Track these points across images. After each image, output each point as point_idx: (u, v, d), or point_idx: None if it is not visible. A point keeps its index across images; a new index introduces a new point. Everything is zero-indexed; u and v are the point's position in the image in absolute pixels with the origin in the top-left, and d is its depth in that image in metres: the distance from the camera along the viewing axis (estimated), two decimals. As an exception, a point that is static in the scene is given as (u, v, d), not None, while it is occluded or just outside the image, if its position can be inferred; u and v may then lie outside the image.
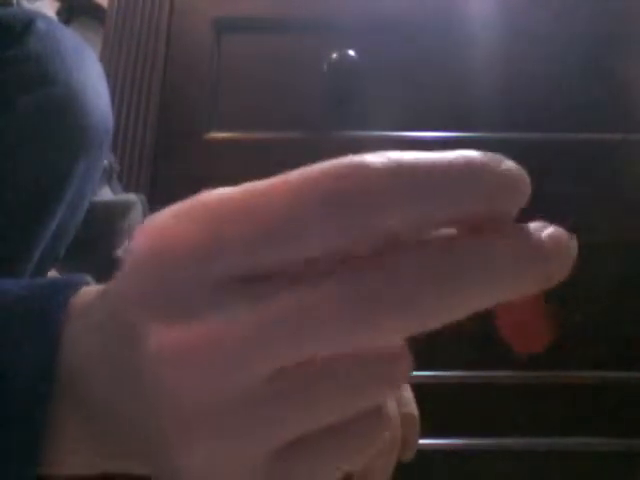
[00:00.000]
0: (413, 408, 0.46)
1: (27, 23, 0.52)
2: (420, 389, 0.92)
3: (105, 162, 0.72)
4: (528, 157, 1.01)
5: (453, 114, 0.93)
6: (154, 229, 0.19)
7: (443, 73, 0.95)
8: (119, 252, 0.69)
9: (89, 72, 0.55)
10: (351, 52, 0.94)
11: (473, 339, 0.87)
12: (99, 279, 0.74)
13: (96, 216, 0.68)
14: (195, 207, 0.20)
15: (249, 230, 0.18)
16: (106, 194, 0.71)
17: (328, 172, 0.19)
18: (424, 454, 0.85)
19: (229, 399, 0.18)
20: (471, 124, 0.93)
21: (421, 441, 0.87)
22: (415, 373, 0.72)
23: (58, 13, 1.16)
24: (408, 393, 0.47)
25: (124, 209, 0.72)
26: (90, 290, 0.23)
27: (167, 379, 0.18)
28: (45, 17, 0.54)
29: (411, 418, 0.44)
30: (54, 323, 0.21)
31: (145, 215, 0.74)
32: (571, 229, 0.21)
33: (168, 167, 0.93)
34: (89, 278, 0.25)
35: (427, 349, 0.86)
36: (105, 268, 0.70)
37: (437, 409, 0.85)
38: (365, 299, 0.17)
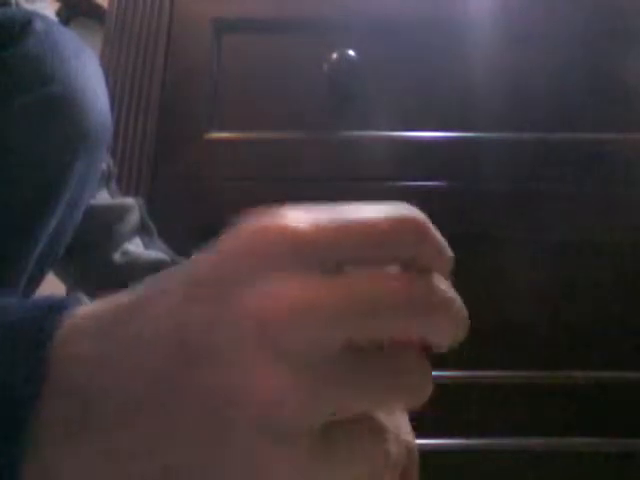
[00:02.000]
0: (412, 439, 0.49)
1: (25, 23, 0.52)
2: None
3: (103, 165, 0.72)
4: (528, 157, 1.01)
5: (453, 114, 0.93)
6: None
7: (443, 73, 0.95)
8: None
9: (88, 72, 0.55)
10: (351, 52, 0.94)
11: (473, 339, 0.87)
12: (96, 282, 0.74)
13: (94, 219, 0.68)
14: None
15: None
16: (104, 198, 0.71)
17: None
18: (424, 454, 0.85)
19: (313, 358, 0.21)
20: (471, 124, 0.93)
21: (421, 441, 0.87)
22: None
23: (58, 13, 1.16)
24: (406, 422, 0.49)
25: (121, 213, 0.72)
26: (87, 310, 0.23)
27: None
28: (44, 17, 0.54)
29: (411, 451, 0.47)
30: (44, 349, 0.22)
31: (142, 218, 0.74)
32: None
33: (168, 167, 0.93)
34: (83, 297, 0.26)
35: (427, 349, 0.86)
36: (102, 271, 0.70)
37: (437, 409, 0.85)
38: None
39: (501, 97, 0.93)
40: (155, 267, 0.70)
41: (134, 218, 0.73)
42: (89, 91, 0.54)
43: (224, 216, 0.91)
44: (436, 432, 0.83)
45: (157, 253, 0.72)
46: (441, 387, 0.96)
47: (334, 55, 0.94)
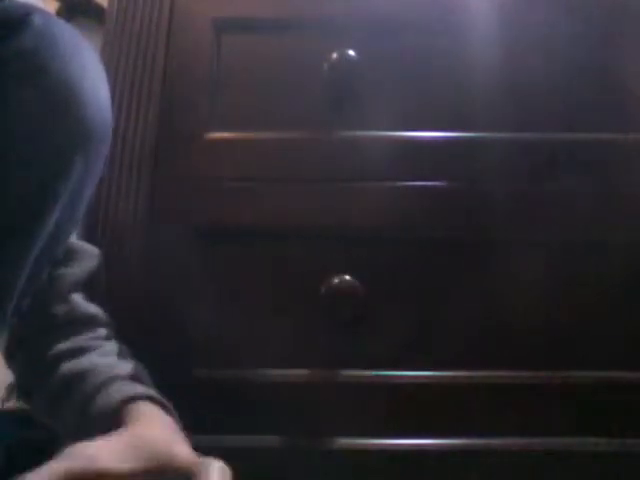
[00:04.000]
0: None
1: (23, 17, 0.51)
2: (420, 389, 0.91)
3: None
4: (528, 157, 1.01)
5: (453, 114, 0.93)
6: None
7: (443, 73, 0.95)
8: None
9: (86, 67, 0.54)
10: (351, 52, 0.94)
11: (473, 339, 0.87)
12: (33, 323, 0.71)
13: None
14: None
15: None
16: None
17: None
18: (424, 454, 0.86)
19: None
20: (471, 124, 0.93)
21: (421, 441, 0.87)
22: (415, 373, 0.73)
23: (58, 13, 1.16)
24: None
25: (71, 256, 0.70)
26: None
27: None
28: (42, 11, 0.54)
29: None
30: None
31: (94, 274, 0.73)
32: None
33: (168, 167, 0.93)
34: None
35: (427, 349, 0.86)
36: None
37: (437, 409, 0.85)
38: None
39: (501, 97, 0.93)
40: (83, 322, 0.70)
41: (80, 270, 0.71)
42: (88, 86, 0.53)
43: (224, 216, 0.92)
44: (436, 432, 0.83)
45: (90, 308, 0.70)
46: (441, 387, 0.96)
47: (334, 55, 0.94)
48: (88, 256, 0.72)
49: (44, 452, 0.82)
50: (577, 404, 0.84)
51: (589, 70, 0.94)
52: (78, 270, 0.70)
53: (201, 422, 0.82)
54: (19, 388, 0.70)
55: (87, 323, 0.69)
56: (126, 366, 0.65)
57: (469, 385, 0.85)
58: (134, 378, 0.64)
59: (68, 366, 0.64)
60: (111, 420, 0.58)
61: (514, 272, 0.88)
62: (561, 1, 0.97)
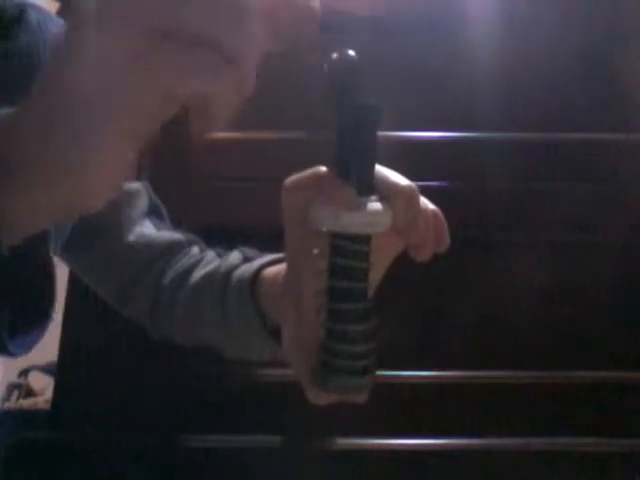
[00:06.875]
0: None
1: (17, 14, 0.50)
2: (420, 389, 0.91)
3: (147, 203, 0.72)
4: (528, 157, 1.01)
5: (453, 114, 0.93)
6: None
7: (443, 73, 0.95)
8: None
9: None
10: (351, 52, 0.94)
11: (473, 339, 0.87)
12: (107, 267, 0.72)
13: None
14: None
15: None
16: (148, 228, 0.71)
17: None
18: (424, 454, 0.85)
19: None
20: (471, 124, 0.93)
21: (421, 441, 0.87)
22: (415, 373, 0.73)
23: (58, 13, 1.15)
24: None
25: (129, 198, 0.71)
26: None
27: None
28: (37, 7, 0.52)
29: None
30: None
31: (151, 201, 0.74)
32: None
33: (168, 167, 0.93)
34: None
35: (427, 349, 0.86)
36: (119, 255, 0.69)
37: (437, 409, 0.85)
38: None
39: (501, 97, 0.93)
40: (172, 247, 0.69)
41: (142, 202, 0.72)
42: None
43: (224, 216, 0.92)
44: (436, 432, 0.83)
45: (171, 234, 0.71)
46: (441, 387, 0.95)
47: (334, 55, 0.94)
48: (137, 191, 0.72)
49: (44, 452, 0.82)
50: (577, 404, 0.84)
51: (589, 70, 0.94)
52: (139, 204, 0.71)
53: (201, 421, 0.82)
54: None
55: (171, 249, 0.70)
56: (234, 256, 0.64)
57: (469, 385, 0.85)
58: (248, 260, 0.62)
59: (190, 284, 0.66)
60: (250, 290, 0.57)
61: (514, 272, 0.88)
62: (562, 2, 0.97)
